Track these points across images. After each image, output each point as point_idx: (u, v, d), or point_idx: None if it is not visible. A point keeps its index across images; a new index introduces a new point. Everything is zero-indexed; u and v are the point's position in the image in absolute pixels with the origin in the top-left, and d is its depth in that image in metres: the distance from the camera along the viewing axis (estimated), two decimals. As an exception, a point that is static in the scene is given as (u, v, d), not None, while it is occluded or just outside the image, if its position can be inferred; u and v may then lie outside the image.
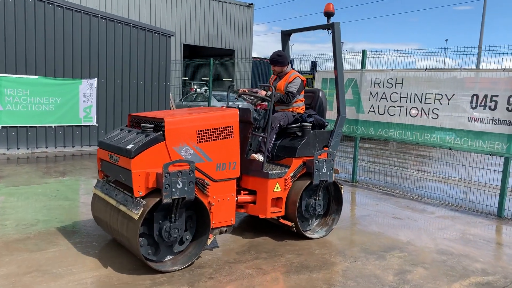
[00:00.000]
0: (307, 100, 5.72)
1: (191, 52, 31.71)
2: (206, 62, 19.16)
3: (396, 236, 5.43)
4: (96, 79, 11.07)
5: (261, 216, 4.95)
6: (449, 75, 7.08)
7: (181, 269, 4.10)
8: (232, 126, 4.50)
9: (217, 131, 4.37)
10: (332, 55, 5.54)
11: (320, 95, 5.75)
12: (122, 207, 4.04)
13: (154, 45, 12.01)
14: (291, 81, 5.33)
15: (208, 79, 29.30)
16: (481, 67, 10.55)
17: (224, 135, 4.43)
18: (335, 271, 4.27)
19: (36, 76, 10.22)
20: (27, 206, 6.03)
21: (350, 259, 4.60)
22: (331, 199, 5.45)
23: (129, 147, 3.98)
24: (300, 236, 5.11)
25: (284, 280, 4.02)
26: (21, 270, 3.99)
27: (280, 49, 6.21)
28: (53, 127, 10.59)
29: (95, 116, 11.20)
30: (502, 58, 6.76)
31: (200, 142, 4.24)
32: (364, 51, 8.29)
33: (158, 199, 3.87)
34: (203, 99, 17.77)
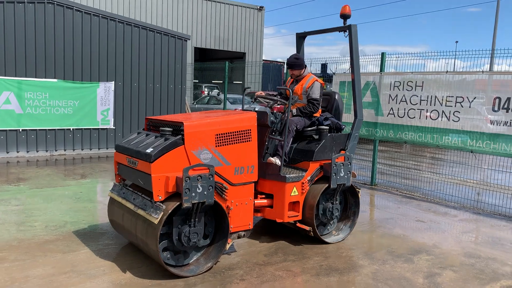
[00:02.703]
0: (323, 103, 5.70)
1: (201, 55, 31.88)
2: (220, 65, 19.18)
3: (421, 239, 5.43)
4: (113, 82, 11.18)
5: (278, 221, 4.92)
6: (471, 78, 7.07)
7: (201, 273, 4.09)
8: (250, 130, 4.49)
9: (236, 134, 4.37)
10: (349, 57, 5.53)
11: (336, 97, 5.72)
12: (140, 211, 4.03)
13: (170, 48, 12.10)
14: (310, 86, 5.30)
15: (219, 82, 29.45)
16: (494, 69, 10.53)
17: (243, 139, 4.42)
18: (365, 273, 4.29)
19: (55, 80, 10.35)
20: (53, 207, 6.11)
21: (378, 261, 4.62)
22: (349, 197, 5.43)
23: (148, 151, 3.97)
24: (318, 241, 5.10)
25: (315, 282, 4.04)
26: (56, 270, 4.06)
27: (295, 51, 6.23)
28: (71, 130, 10.70)
29: (113, 119, 11.30)
30: None
31: (218, 145, 4.24)
32: (383, 54, 8.30)
33: (178, 203, 3.85)
34: (216, 102, 17.83)
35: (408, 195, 7.87)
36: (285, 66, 11.42)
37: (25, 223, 5.40)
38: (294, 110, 5.32)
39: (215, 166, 4.12)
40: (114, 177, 8.20)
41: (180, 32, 21.36)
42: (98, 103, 11.03)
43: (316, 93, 5.25)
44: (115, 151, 4.66)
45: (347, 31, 5.38)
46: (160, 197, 3.91)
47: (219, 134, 4.26)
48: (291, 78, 5.55)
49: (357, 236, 5.42)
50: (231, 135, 4.34)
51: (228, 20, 27.49)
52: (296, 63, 5.38)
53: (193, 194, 3.86)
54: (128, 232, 4.43)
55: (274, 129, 5.01)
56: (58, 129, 10.52)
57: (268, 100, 5.28)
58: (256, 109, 5.01)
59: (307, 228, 4.97)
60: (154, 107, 11.99)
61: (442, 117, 7.40)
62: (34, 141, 10.27)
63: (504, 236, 5.70)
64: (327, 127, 5.26)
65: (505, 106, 6.61)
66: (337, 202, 5.16)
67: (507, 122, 6.61)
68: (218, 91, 25.82)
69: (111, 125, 11.30)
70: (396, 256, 4.80)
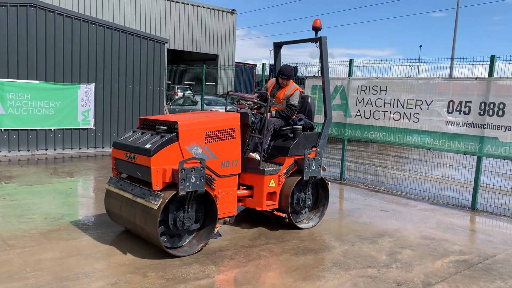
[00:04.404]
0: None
1: (173, 56, 32.21)
2: (195, 68, 19.50)
3: (385, 225, 6.16)
4: (94, 84, 11.52)
5: (257, 209, 5.57)
6: (429, 83, 7.89)
7: (194, 253, 4.67)
8: (235, 128, 5.13)
9: (222, 132, 4.99)
10: (320, 65, 6.24)
11: (309, 101, 6.42)
12: (140, 200, 4.57)
13: (149, 51, 12.53)
14: (292, 94, 5.96)
15: (191, 83, 29.67)
16: (454, 73, 11.51)
17: (228, 136, 5.05)
18: (337, 252, 4.96)
19: (37, 81, 10.62)
20: (48, 202, 6.51)
21: (348, 243, 5.30)
22: (320, 191, 6.10)
23: (147, 146, 4.52)
24: (293, 227, 5.76)
25: (294, 259, 4.68)
26: (64, 254, 4.53)
27: (272, 59, 6.94)
28: (52, 130, 10.99)
29: (93, 120, 11.64)
30: (473, 64, 7.69)
31: (208, 142, 4.85)
32: (351, 61, 9.05)
33: (174, 192, 4.42)
34: (191, 103, 18.28)
35: (374, 189, 8.65)
36: (260, 68, 12.05)
37: (24, 216, 5.80)
38: (274, 112, 5.95)
39: (205, 160, 4.70)
40: (100, 174, 8.64)
41: (153, 33, 21.69)
42: (79, 104, 11.36)
43: (295, 101, 5.94)
44: (112, 147, 5.17)
45: (318, 42, 6.06)
46: (158, 187, 4.46)
47: (208, 132, 4.86)
48: (278, 84, 6.14)
49: (329, 223, 6.10)
50: (218, 133, 4.95)
51: (201, 23, 27.96)
52: (292, 74, 6.03)
53: (188, 183, 4.44)
54: (126, 220, 4.94)
55: (254, 128, 5.64)
56: (39, 129, 10.79)
57: (249, 103, 5.92)
58: (239, 111, 5.63)
59: (283, 215, 5.63)
60: (133, 108, 12.38)
61: (403, 118, 8.21)
62: (16, 141, 10.51)
63: (456, 222, 6.52)
64: (301, 127, 5.93)
65: (458, 108, 7.45)
66: (309, 192, 5.85)
67: (460, 122, 7.45)
68: (191, 92, 26.25)
69: (91, 126, 11.63)
70: (363, 239, 5.50)
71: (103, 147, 11.88)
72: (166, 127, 4.78)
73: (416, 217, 6.78)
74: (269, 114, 5.86)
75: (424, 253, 5.07)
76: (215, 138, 4.91)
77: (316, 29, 6.03)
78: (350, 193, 8.28)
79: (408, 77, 8.22)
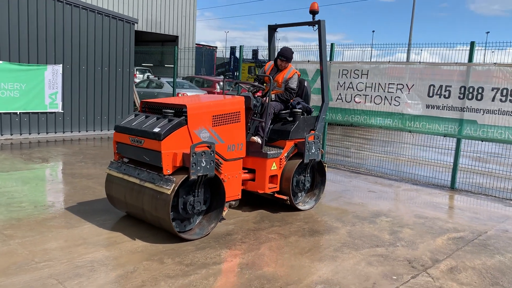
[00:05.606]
0: None
1: (131, 37, 31.13)
2: (161, 49, 18.86)
3: (377, 206, 6.35)
4: (61, 65, 10.97)
5: (260, 192, 5.59)
6: (410, 67, 8.12)
7: (207, 235, 4.66)
8: (239, 112, 5.09)
9: (228, 116, 4.94)
10: (318, 49, 6.25)
11: (305, 85, 6.44)
12: (149, 185, 4.46)
13: (118, 31, 12.05)
14: (291, 77, 5.95)
15: (149, 65, 28.75)
16: (411, 59, 11.92)
17: (234, 120, 5.01)
18: (342, 233, 5.07)
19: (0, 62, 9.97)
20: (31, 190, 6.19)
21: (349, 224, 5.43)
22: (316, 175, 6.20)
23: (156, 130, 4.40)
24: (293, 208, 5.83)
25: (304, 241, 4.74)
26: (69, 243, 4.34)
27: (267, 42, 6.87)
28: (18, 113, 10.40)
29: (61, 103, 11.11)
30: (421, 50, 8.42)
31: (215, 126, 4.79)
32: (332, 44, 9.13)
33: (185, 176, 4.35)
34: (157, 86, 17.80)
35: (355, 171, 8.87)
36: (220, 51, 11.89)
37: (12, 204, 5.49)
38: (273, 95, 5.93)
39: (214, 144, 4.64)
40: (76, 159, 8.30)
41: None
42: (46, 86, 10.79)
43: (294, 84, 5.93)
44: (114, 131, 4.97)
45: (316, 25, 6.06)
46: (168, 171, 4.36)
47: (216, 116, 4.79)
48: (277, 67, 6.08)
49: (325, 205, 6.21)
50: (224, 117, 4.89)
51: (160, 3, 27.18)
52: (292, 57, 5.98)
53: (198, 167, 4.37)
54: (131, 205, 4.80)
55: (256, 111, 5.60)
56: (4, 113, 10.18)
57: (248, 86, 5.86)
58: (242, 94, 5.57)
59: (285, 197, 5.67)
60: (102, 90, 11.93)
61: (384, 101, 8.41)
62: (-22, 125, 9.88)
63: (441, 201, 6.83)
64: (300, 110, 5.94)
65: (439, 92, 7.73)
66: (308, 175, 5.91)
67: (439, 106, 7.74)
68: (150, 74, 25.60)
69: (59, 109, 11.11)
70: (362, 219, 5.65)
71: (71, 131, 11.40)
72: (173, 111, 4.65)
73: (403, 197, 7.03)
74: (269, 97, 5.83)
75: (422, 231, 5.29)
76: (221, 122, 4.85)
77: (313, 12, 6.02)
78: (334, 175, 8.44)
79: (389, 62, 8.42)
